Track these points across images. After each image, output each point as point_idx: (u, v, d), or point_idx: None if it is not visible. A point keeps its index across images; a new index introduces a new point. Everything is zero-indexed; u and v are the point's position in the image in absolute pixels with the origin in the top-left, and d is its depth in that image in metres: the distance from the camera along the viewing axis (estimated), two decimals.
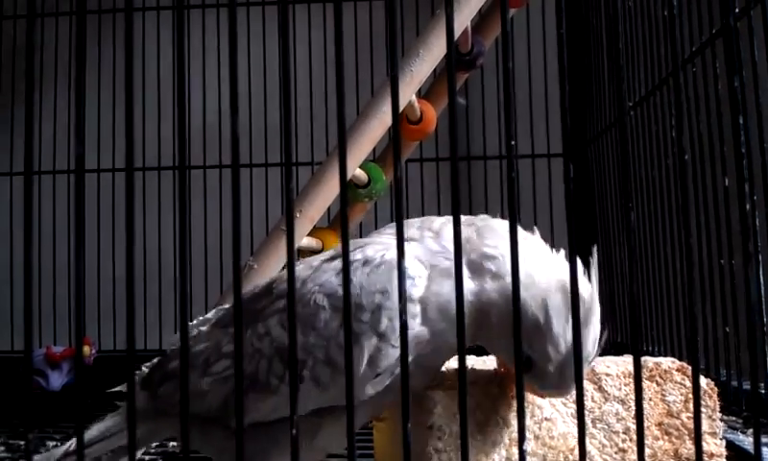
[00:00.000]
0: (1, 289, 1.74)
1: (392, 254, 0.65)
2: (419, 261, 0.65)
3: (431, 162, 1.73)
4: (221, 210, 1.69)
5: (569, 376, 0.61)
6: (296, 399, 0.49)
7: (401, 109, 0.94)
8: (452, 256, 0.62)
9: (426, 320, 0.64)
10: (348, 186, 1.02)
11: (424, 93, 1.16)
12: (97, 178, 1.76)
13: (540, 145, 1.72)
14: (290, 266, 0.51)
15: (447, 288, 0.64)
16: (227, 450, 0.69)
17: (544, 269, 0.64)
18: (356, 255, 0.67)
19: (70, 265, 1.54)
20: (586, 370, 0.66)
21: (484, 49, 1.11)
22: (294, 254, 0.54)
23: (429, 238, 0.67)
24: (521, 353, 0.49)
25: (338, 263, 0.68)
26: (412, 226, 0.69)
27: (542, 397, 0.67)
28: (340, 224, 0.55)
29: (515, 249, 0.50)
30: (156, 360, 0.76)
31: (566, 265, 0.59)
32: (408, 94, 0.91)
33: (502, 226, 0.67)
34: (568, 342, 0.61)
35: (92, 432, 0.73)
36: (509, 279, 0.55)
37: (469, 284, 0.64)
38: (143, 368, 0.76)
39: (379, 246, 0.67)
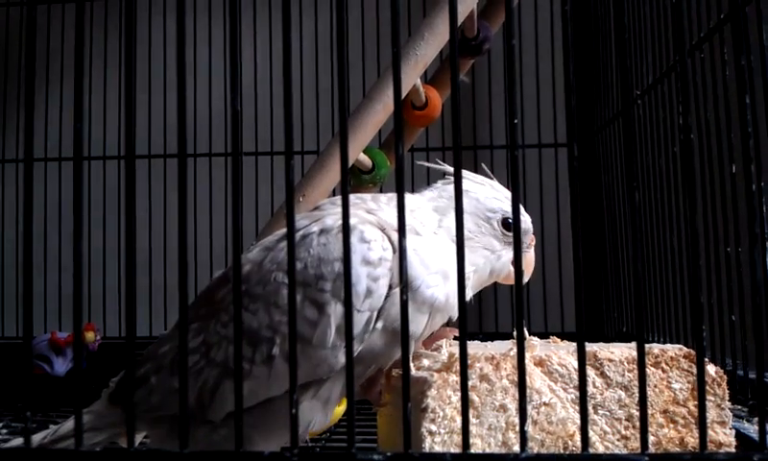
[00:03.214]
0: (9, 275, 1.75)
1: (351, 221, 0.65)
2: (372, 226, 0.67)
3: (437, 151, 1.72)
4: (227, 198, 1.69)
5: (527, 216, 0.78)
6: (295, 375, 0.49)
7: (405, 93, 0.93)
8: (410, 223, 0.70)
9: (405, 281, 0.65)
10: (351, 172, 1.02)
11: (430, 79, 1.15)
12: (103, 164, 1.76)
13: (548, 135, 1.71)
14: (290, 249, 0.51)
15: (418, 245, 0.68)
16: (213, 445, 0.68)
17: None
18: (312, 228, 0.68)
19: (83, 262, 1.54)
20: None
21: (491, 34, 1.10)
22: (294, 236, 0.54)
23: (386, 208, 0.71)
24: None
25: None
26: (365, 200, 0.73)
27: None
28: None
29: (517, 235, 0.50)
30: (122, 373, 0.75)
31: None
32: (413, 78, 0.90)
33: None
34: (499, 187, 0.78)
35: (64, 429, 0.73)
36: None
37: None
38: (110, 383, 0.75)
39: (336, 215, 0.68)
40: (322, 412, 0.68)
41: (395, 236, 0.67)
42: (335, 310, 0.64)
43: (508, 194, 0.75)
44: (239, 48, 0.50)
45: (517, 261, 0.49)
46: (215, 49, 1.73)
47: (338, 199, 0.75)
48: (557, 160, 1.70)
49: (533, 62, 1.68)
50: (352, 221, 0.66)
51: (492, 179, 0.79)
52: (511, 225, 0.74)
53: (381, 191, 1.04)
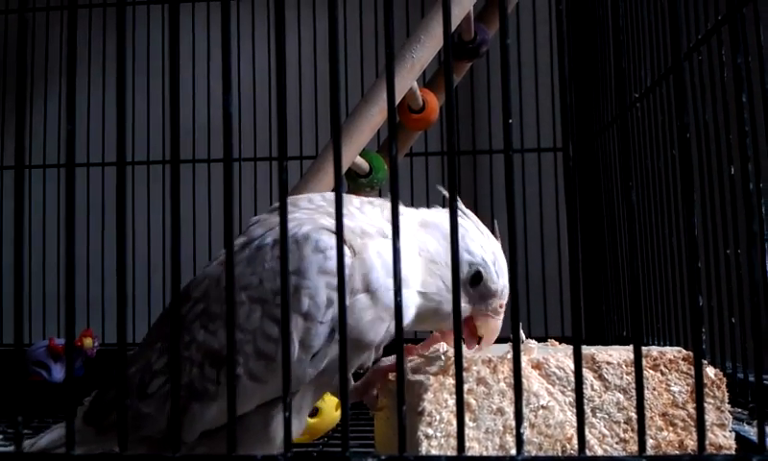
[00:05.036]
0: (7, 282, 1.74)
1: (305, 230, 0.64)
2: (330, 232, 0.64)
3: (436, 157, 1.72)
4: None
5: (503, 271, 0.69)
6: (288, 380, 0.48)
7: (401, 96, 0.93)
8: (382, 223, 0.67)
9: (368, 285, 0.64)
10: (348, 175, 1.02)
11: (428, 82, 1.15)
12: (102, 170, 1.76)
13: (547, 139, 1.71)
14: (283, 255, 0.50)
15: (387, 246, 0.63)
16: None
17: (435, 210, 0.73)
18: (266, 239, 0.66)
19: (75, 257, 1.54)
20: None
21: (488, 37, 1.10)
22: (287, 246, 0.53)
23: (355, 212, 0.68)
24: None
25: (247, 252, 0.66)
26: (330, 204, 0.69)
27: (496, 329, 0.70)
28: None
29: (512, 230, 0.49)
30: (94, 393, 0.74)
31: None
32: (409, 81, 0.90)
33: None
34: (486, 239, 0.70)
35: (42, 441, 0.72)
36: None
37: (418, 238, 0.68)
38: (84, 402, 0.74)
39: (292, 223, 0.65)
40: (296, 421, 0.67)
41: (358, 241, 0.65)
42: (296, 325, 0.62)
43: (495, 247, 0.70)
44: (231, 51, 0.50)
45: (514, 253, 0.49)
46: (214, 55, 1.73)
47: (297, 200, 0.72)
48: (556, 165, 1.70)
49: (532, 68, 1.68)
50: (305, 229, 0.64)
51: (497, 236, 0.72)
52: (480, 283, 0.68)
53: (380, 195, 1.04)
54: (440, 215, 0.70)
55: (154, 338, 0.71)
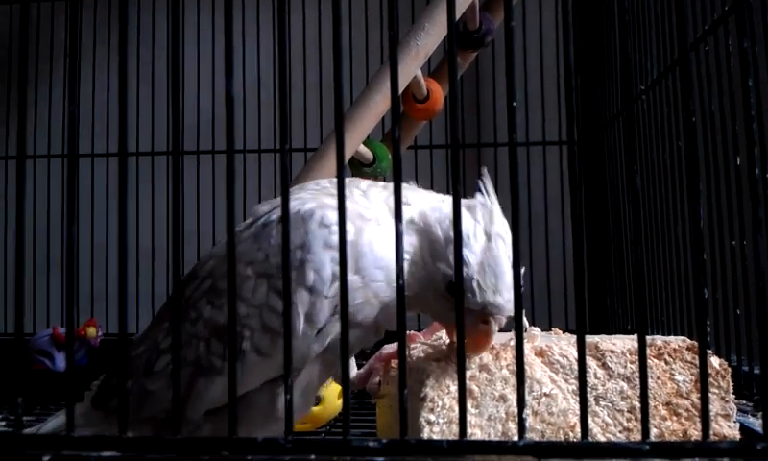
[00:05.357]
0: (10, 272, 1.75)
1: (309, 206, 0.64)
2: (333, 210, 0.63)
3: (440, 149, 1.71)
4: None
5: (490, 286, 0.62)
6: (290, 361, 0.48)
7: (405, 84, 0.92)
8: (380, 211, 0.65)
9: (358, 269, 0.63)
10: (352, 164, 1.01)
11: (432, 71, 1.14)
12: (106, 161, 1.76)
13: (552, 133, 1.70)
14: (285, 249, 0.50)
15: (380, 235, 0.64)
16: None
17: (447, 202, 0.67)
18: (272, 216, 0.67)
19: (80, 247, 1.54)
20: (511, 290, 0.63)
21: (493, 27, 1.09)
22: (288, 221, 0.53)
23: (358, 195, 0.67)
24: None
25: (253, 229, 0.67)
26: (330, 188, 0.69)
27: (484, 342, 0.65)
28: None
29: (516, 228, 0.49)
30: (102, 377, 0.74)
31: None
32: (413, 69, 0.89)
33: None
34: (482, 247, 0.63)
35: (48, 426, 0.73)
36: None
37: (410, 238, 0.64)
38: (92, 386, 0.74)
39: (297, 201, 0.66)
40: (302, 400, 0.68)
41: (357, 223, 0.64)
42: (302, 299, 0.62)
43: (492, 260, 0.63)
44: (233, 31, 0.50)
45: (516, 256, 0.49)
46: (218, 46, 1.72)
47: (304, 184, 0.73)
48: (561, 158, 1.69)
49: (537, 61, 1.67)
50: (309, 205, 0.64)
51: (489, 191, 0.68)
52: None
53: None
54: (437, 215, 0.66)
55: (161, 318, 0.72)
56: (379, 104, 0.87)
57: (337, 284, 0.62)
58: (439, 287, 0.64)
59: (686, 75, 0.51)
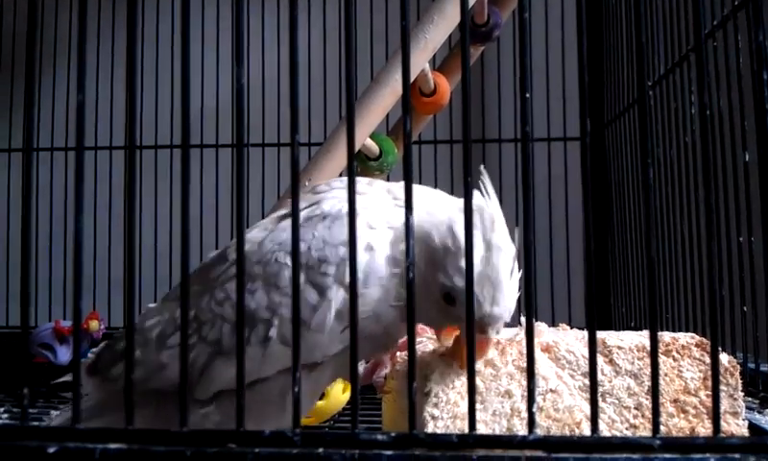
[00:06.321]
0: (13, 264, 1.74)
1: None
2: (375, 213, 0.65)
3: (445, 144, 1.71)
4: (233, 189, 1.68)
5: (488, 297, 0.60)
6: (298, 354, 0.48)
7: (414, 76, 0.92)
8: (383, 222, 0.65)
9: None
10: (358, 157, 1.01)
11: (439, 66, 1.14)
12: (110, 154, 1.76)
13: (557, 129, 1.70)
14: (294, 243, 0.49)
15: (371, 254, 0.63)
16: (195, 424, 0.66)
17: (444, 205, 0.65)
18: (315, 211, 0.67)
19: (83, 240, 1.54)
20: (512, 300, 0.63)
21: (501, 21, 1.08)
22: (298, 217, 0.52)
23: (370, 201, 0.67)
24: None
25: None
26: (360, 182, 0.69)
27: (482, 351, 0.63)
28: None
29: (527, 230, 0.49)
30: (102, 344, 0.74)
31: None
32: (421, 61, 0.89)
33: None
34: (481, 257, 0.60)
35: (55, 422, 0.73)
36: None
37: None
38: (89, 355, 0.74)
39: (334, 200, 0.67)
40: (309, 397, 0.68)
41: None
42: (336, 295, 0.63)
43: (491, 271, 0.61)
44: (243, 20, 0.49)
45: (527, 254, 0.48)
46: (222, 39, 1.72)
47: (335, 182, 0.72)
48: (566, 154, 1.69)
49: (542, 57, 1.67)
50: (357, 206, 0.64)
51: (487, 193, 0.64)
52: (455, 304, 0.62)
53: (388, 180, 1.03)
54: (433, 220, 0.63)
55: (177, 295, 0.71)
56: (387, 97, 0.86)
57: (370, 286, 0.63)
58: (434, 295, 0.63)
59: (701, 65, 0.50)
